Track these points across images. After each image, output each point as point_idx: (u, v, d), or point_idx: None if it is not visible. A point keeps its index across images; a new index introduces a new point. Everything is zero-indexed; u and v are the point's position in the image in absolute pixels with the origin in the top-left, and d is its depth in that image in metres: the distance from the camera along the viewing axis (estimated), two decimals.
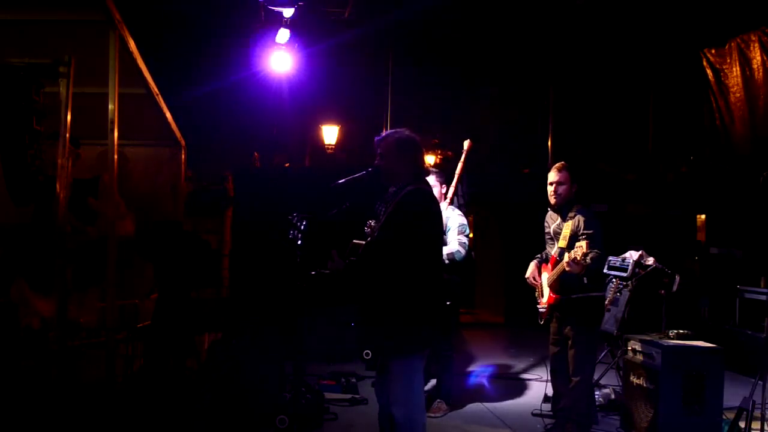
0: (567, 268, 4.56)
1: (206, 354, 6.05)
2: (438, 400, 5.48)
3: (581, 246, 4.39)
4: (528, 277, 5.00)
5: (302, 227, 4.03)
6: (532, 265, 5.02)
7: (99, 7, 3.78)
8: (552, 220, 4.90)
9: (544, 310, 4.86)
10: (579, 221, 4.67)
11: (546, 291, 4.85)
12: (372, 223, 3.73)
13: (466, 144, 5.93)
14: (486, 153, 11.17)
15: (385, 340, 3.47)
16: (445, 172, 5.79)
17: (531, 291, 5.05)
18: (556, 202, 4.81)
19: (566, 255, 4.56)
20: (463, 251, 5.35)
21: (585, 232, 4.60)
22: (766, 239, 6.73)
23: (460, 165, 5.87)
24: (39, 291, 4.18)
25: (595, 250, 4.56)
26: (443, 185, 5.55)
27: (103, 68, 3.97)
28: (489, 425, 5.30)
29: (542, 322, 4.92)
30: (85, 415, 3.65)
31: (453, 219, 5.43)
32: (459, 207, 5.71)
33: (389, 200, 3.57)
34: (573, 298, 4.67)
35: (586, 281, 4.67)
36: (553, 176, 4.81)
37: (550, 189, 4.80)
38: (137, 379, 4.37)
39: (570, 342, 4.71)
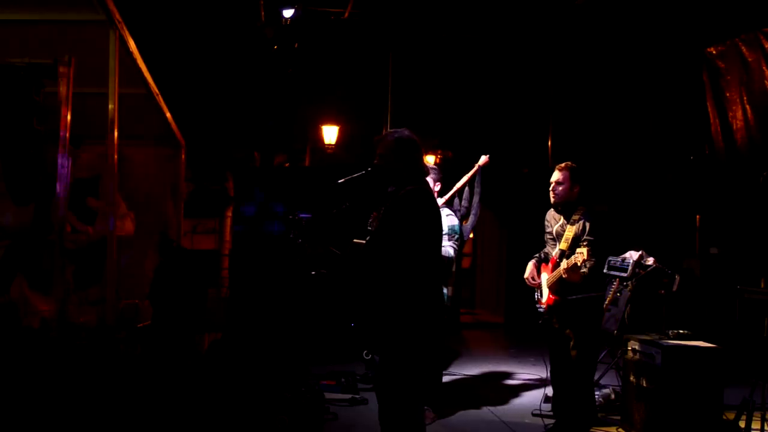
0: (564, 276, 4.57)
1: (206, 354, 6.05)
2: (425, 407, 4.82)
3: (582, 252, 4.40)
4: (527, 278, 4.98)
5: (303, 225, 4.03)
6: (531, 265, 5.01)
7: (99, 7, 3.77)
8: (555, 221, 4.89)
9: (543, 310, 4.86)
10: (584, 225, 4.66)
11: (545, 292, 4.85)
12: (375, 214, 3.72)
13: (482, 159, 5.63)
14: (486, 152, 11.17)
15: (383, 340, 3.47)
16: (445, 173, 5.70)
17: (531, 291, 5.04)
18: (555, 201, 4.82)
19: (564, 262, 4.56)
20: (451, 251, 5.17)
21: (587, 238, 4.60)
22: (766, 239, 6.73)
23: (465, 177, 5.64)
24: (39, 291, 4.18)
25: (593, 259, 4.57)
26: (437, 183, 5.34)
27: (103, 68, 3.97)
28: (489, 425, 5.30)
29: (541, 323, 4.92)
30: (85, 414, 3.65)
31: (443, 220, 5.26)
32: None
33: (388, 200, 3.56)
34: (572, 299, 4.67)
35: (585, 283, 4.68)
36: (554, 175, 4.84)
37: (551, 187, 4.82)
38: (137, 378, 4.36)
39: (572, 343, 4.70)
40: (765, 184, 4.66)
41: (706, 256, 8.54)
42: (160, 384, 4.44)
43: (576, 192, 4.78)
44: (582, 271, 4.57)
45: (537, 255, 5.05)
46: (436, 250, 3.63)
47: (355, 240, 3.68)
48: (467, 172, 5.71)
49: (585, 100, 10.47)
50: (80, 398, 3.60)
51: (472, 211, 5.76)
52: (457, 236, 5.31)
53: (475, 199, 5.71)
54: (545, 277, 4.86)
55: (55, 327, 3.56)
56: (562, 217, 4.82)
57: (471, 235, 5.87)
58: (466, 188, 5.71)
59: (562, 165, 4.85)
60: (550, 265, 4.82)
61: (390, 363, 3.47)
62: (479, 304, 14.00)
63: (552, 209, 4.92)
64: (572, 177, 4.76)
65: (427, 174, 3.71)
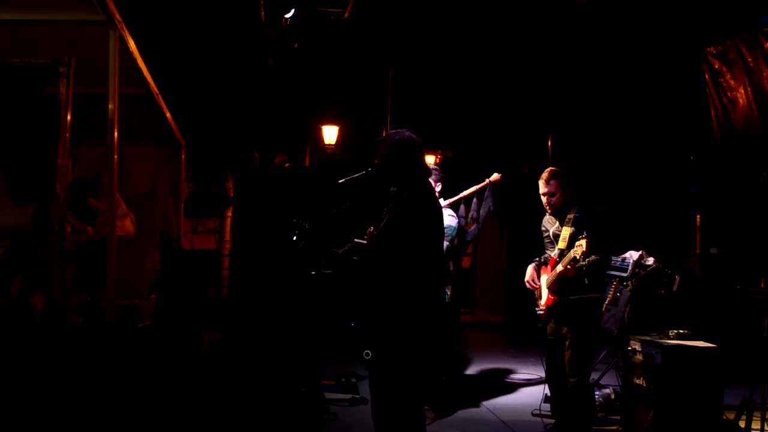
0: (561, 269, 4.57)
1: (206, 354, 6.05)
2: (425, 407, 4.90)
3: (581, 245, 4.39)
4: (527, 281, 4.98)
5: (306, 228, 4.02)
6: (530, 268, 5.02)
7: (99, 7, 3.77)
8: (550, 224, 4.92)
9: (542, 312, 4.86)
10: (576, 221, 4.68)
11: (545, 293, 4.85)
12: (371, 230, 3.72)
13: (494, 176, 5.78)
14: (486, 152, 11.18)
15: (384, 341, 3.47)
16: (445, 173, 5.74)
17: (531, 292, 5.04)
18: (551, 211, 4.85)
19: (566, 258, 4.56)
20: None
21: (585, 233, 4.60)
22: (766, 239, 6.73)
23: (473, 188, 5.77)
24: (39, 291, 4.18)
25: (594, 255, 4.58)
26: (437, 183, 5.36)
27: (103, 68, 3.96)
28: (489, 425, 5.30)
29: (540, 326, 4.92)
30: (85, 414, 3.65)
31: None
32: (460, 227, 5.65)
33: (391, 201, 3.56)
34: (571, 299, 4.67)
35: (586, 282, 4.68)
36: (542, 187, 4.81)
37: (543, 199, 4.82)
38: (137, 378, 4.37)
39: (567, 343, 4.71)
40: (765, 184, 4.66)
41: (706, 256, 8.54)
42: (160, 384, 4.44)
43: (567, 194, 4.79)
44: (580, 264, 4.57)
45: (537, 259, 5.05)
46: (438, 251, 3.63)
47: (356, 240, 3.68)
48: (469, 175, 5.79)
49: (585, 99, 10.48)
50: (80, 398, 3.60)
51: (479, 223, 5.86)
52: (450, 237, 5.32)
53: (482, 212, 5.78)
54: (545, 278, 4.87)
55: (54, 327, 3.55)
56: (557, 221, 4.83)
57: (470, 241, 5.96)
58: (474, 199, 5.79)
59: (546, 175, 4.79)
60: (549, 266, 4.83)
61: (390, 363, 3.46)
62: (479, 304, 14.01)
63: (547, 214, 4.95)
64: (562, 184, 4.77)
65: (429, 174, 3.71)
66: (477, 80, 10.84)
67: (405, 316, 3.41)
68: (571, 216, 4.72)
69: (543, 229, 5.00)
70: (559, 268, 4.59)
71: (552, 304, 4.76)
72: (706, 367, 4.58)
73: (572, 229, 4.66)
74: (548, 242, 4.94)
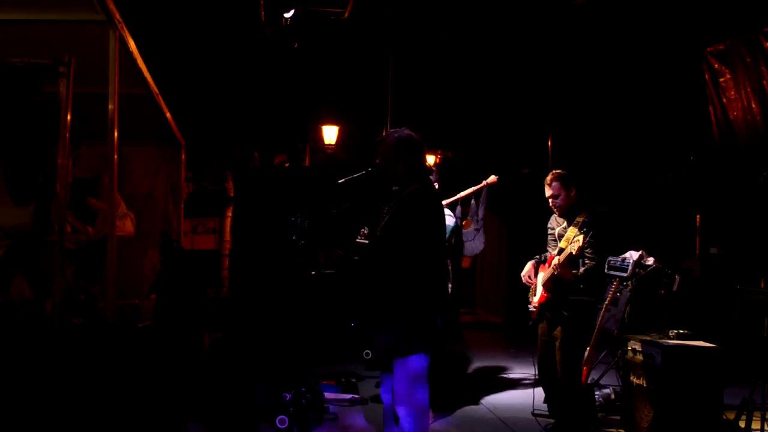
0: (558, 262, 4.56)
1: (206, 353, 6.05)
2: None
3: (578, 240, 4.39)
4: (523, 275, 4.99)
5: (305, 227, 4.01)
6: (529, 265, 5.02)
7: (99, 7, 3.78)
8: (557, 224, 4.91)
9: (534, 309, 4.86)
10: (585, 225, 4.67)
11: (539, 290, 4.85)
12: (365, 231, 3.72)
13: (491, 178, 5.86)
14: (486, 152, 11.18)
15: (388, 340, 3.47)
16: (445, 173, 5.78)
17: (527, 288, 5.05)
18: (559, 213, 4.85)
19: (563, 253, 4.55)
20: None
21: (589, 241, 4.59)
22: (766, 239, 6.73)
23: (470, 189, 5.83)
24: (39, 291, 4.18)
25: (592, 261, 4.58)
26: (435, 183, 5.44)
27: (103, 68, 3.97)
28: (489, 425, 5.30)
29: (531, 323, 4.92)
30: (85, 414, 3.65)
31: None
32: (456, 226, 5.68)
33: (392, 199, 3.56)
34: (564, 299, 4.66)
35: (581, 286, 4.67)
36: (546, 191, 4.84)
37: (549, 202, 4.85)
38: (137, 378, 4.37)
39: (558, 343, 4.70)
40: (765, 184, 4.66)
41: (706, 256, 8.54)
42: (160, 384, 4.44)
43: (573, 195, 4.79)
44: (576, 271, 4.57)
45: (537, 256, 5.06)
46: (440, 249, 3.63)
47: (357, 240, 3.69)
48: (469, 176, 5.81)
49: (585, 100, 10.47)
50: (80, 398, 3.60)
51: (479, 227, 5.91)
52: (448, 236, 5.35)
53: (481, 213, 5.85)
54: (541, 276, 4.87)
55: (55, 327, 3.56)
56: (565, 221, 4.83)
57: (481, 247, 6.01)
58: (473, 201, 5.82)
59: (549, 178, 4.85)
60: (547, 264, 4.83)
61: (399, 363, 3.46)
62: (479, 304, 14.01)
63: (555, 214, 4.94)
64: (564, 184, 4.78)
65: (430, 173, 3.71)
66: (477, 80, 10.83)
67: (410, 314, 3.41)
68: (580, 219, 4.71)
69: (549, 227, 5.00)
70: (556, 260, 4.59)
71: (544, 302, 4.76)
72: (706, 367, 4.58)
73: (577, 231, 4.65)
74: (552, 240, 4.94)
